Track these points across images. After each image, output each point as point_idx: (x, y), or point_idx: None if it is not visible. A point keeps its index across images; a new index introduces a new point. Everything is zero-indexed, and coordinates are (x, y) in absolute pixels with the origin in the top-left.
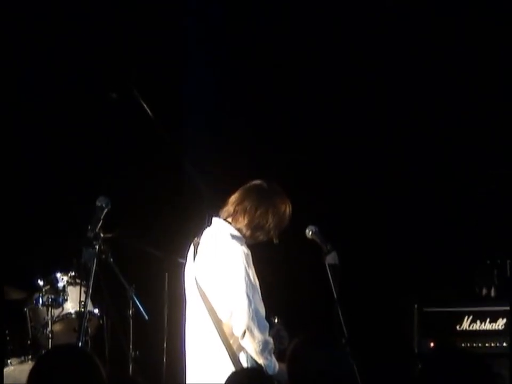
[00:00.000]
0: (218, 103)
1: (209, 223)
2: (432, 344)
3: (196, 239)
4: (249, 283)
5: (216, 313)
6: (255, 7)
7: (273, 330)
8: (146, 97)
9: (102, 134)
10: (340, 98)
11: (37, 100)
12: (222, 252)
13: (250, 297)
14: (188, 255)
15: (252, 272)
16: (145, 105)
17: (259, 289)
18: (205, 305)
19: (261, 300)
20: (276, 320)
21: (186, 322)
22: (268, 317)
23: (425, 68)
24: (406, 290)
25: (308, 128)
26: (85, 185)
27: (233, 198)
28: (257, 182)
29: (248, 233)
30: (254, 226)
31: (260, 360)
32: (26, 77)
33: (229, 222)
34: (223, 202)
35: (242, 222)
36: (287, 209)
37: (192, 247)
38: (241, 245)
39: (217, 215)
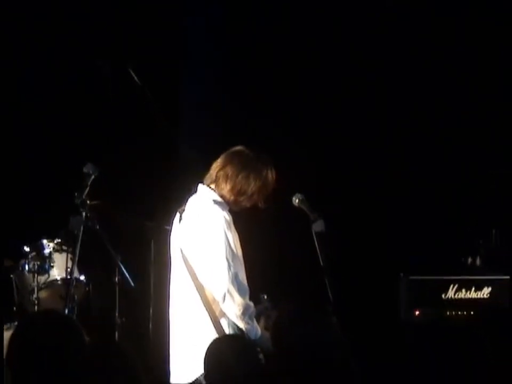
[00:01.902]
0: (215, 84)
1: (195, 190)
2: (417, 313)
3: (182, 206)
4: (229, 248)
5: (198, 279)
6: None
7: (260, 307)
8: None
9: (90, 103)
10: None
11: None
12: (203, 218)
13: (230, 261)
14: (174, 222)
15: (232, 237)
16: (135, 77)
17: (240, 255)
18: (188, 271)
19: (242, 265)
20: (265, 297)
21: (170, 288)
22: (257, 293)
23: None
24: (392, 258)
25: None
26: (72, 152)
27: (215, 164)
28: (239, 147)
29: (231, 198)
30: (237, 192)
31: (241, 325)
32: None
33: (212, 188)
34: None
35: (225, 187)
36: (270, 173)
37: (177, 214)
38: (223, 210)
39: (202, 181)
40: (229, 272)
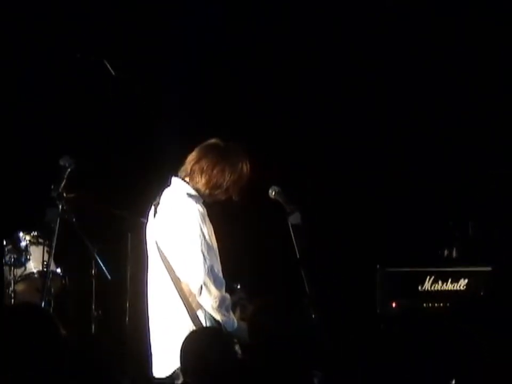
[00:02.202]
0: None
1: (169, 183)
2: (394, 305)
3: (156, 199)
4: (204, 240)
5: (174, 272)
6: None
7: (235, 297)
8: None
9: (68, 94)
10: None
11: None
12: (178, 211)
13: (205, 254)
14: (149, 215)
15: (207, 230)
16: (109, 67)
17: (216, 248)
18: (164, 264)
19: (217, 258)
20: (238, 287)
21: (148, 281)
22: (231, 283)
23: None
24: (369, 250)
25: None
26: (49, 145)
27: (190, 157)
28: (213, 140)
29: (206, 192)
30: (212, 185)
31: (218, 317)
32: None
33: (187, 182)
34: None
35: (200, 181)
36: (244, 166)
37: (152, 207)
38: (197, 203)
39: (177, 174)
40: (204, 265)
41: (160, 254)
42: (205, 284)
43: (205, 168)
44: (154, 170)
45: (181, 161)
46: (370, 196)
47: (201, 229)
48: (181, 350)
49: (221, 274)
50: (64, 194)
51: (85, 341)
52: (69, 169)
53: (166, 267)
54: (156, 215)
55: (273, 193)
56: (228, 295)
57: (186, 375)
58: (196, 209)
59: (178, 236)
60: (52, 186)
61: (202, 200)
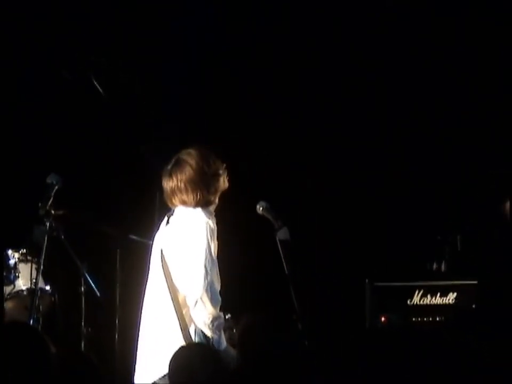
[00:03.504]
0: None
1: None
2: (383, 319)
3: (172, 210)
4: (209, 256)
5: (173, 283)
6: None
7: (225, 326)
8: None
9: (55, 112)
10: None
11: None
12: (188, 222)
13: (208, 270)
14: (161, 223)
15: (213, 247)
16: (97, 85)
17: (217, 266)
18: (164, 273)
19: (218, 276)
20: (228, 316)
21: (146, 289)
22: (220, 310)
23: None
24: (357, 265)
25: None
26: (36, 163)
27: (172, 186)
28: (185, 158)
29: (203, 205)
30: (202, 201)
31: (208, 333)
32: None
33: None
34: None
35: (194, 202)
36: (220, 167)
37: (165, 218)
38: (208, 217)
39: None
40: (205, 280)
41: (162, 262)
42: (201, 298)
43: (192, 190)
44: (144, 188)
45: None
46: (359, 210)
47: (208, 244)
48: (169, 365)
49: (218, 292)
50: (52, 212)
51: (74, 358)
52: (56, 187)
53: (165, 276)
54: (168, 224)
55: (261, 208)
56: (221, 314)
57: None
58: (207, 224)
59: (184, 247)
60: (39, 204)
61: (213, 215)
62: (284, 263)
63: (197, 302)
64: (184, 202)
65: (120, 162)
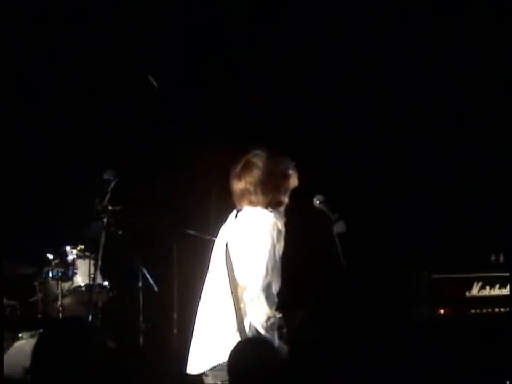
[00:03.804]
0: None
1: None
2: (442, 311)
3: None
4: (272, 257)
5: (234, 275)
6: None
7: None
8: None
9: (110, 108)
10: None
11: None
12: (257, 220)
13: (269, 270)
14: (229, 216)
15: (279, 248)
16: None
17: (279, 267)
18: (227, 265)
19: (279, 277)
20: (279, 315)
21: (206, 280)
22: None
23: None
24: (416, 257)
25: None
26: (93, 159)
27: (241, 188)
28: (253, 160)
29: (273, 206)
30: (272, 201)
31: (261, 331)
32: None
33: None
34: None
35: (264, 203)
36: (289, 170)
37: (234, 211)
38: (278, 219)
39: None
40: (264, 279)
41: (226, 255)
42: (258, 297)
43: (262, 190)
44: (200, 183)
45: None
46: (418, 202)
47: (273, 245)
48: (229, 359)
49: (275, 293)
50: (109, 208)
51: (133, 353)
52: (113, 183)
53: (227, 269)
54: (237, 218)
55: (318, 202)
56: (276, 314)
57: (233, 382)
58: (275, 225)
59: (249, 244)
60: (97, 200)
61: (284, 217)
62: (341, 256)
63: (253, 299)
64: (253, 203)
65: (177, 158)
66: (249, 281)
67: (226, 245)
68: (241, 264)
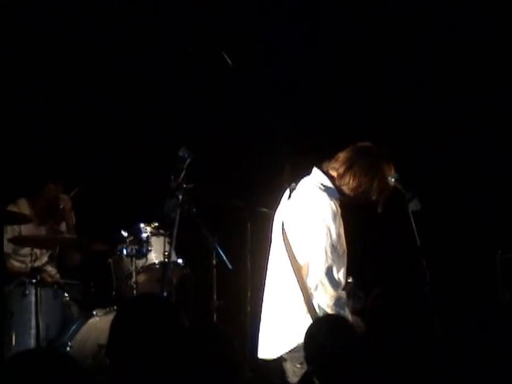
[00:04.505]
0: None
1: (310, 172)
2: None
3: (293, 184)
4: (330, 239)
5: (296, 259)
6: None
7: (348, 288)
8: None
9: (186, 86)
10: None
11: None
12: (310, 203)
13: (328, 253)
14: (282, 198)
15: (335, 229)
16: (227, 58)
17: (344, 247)
18: (287, 249)
19: (343, 258)
20: (350, 280)
21: (268, 262)
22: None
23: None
24: (489, 236)
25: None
26: (167, 136)
27: (342, 158)
28: (367, 144)
29: (351, 194)
30: (361, 191)
31: (331, 312)
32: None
33: (330, 177)
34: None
35: (348, 184)
36: (390, 179)
37: (287, 191)
38: (331, 199)
39: (320, 166)
40: (325, 264)
41: (284, 239)
42: (321, 282)
43: (357, 174)
44: (272, 161)
45: (301, 152)
46: (491, 181)
47: (328, 227)
48: (305, 337)
49: (340, 275)
50: (184, 185)
51: (209, 331)
52: (188, 160)
53: (288, 252)
54: (290, 199)
55: (393, 180)
56: (343, 294)
57: (310, 362)
58: (328, 206)
59: (305, 228)
60: (172, 177)
61: (338, 196)
62: (416, 234)
63: (317, 286)
64: (340, 178)
65: (249, 135)
66: (310, 267)
67: (283, 228)
68: (300, 247)
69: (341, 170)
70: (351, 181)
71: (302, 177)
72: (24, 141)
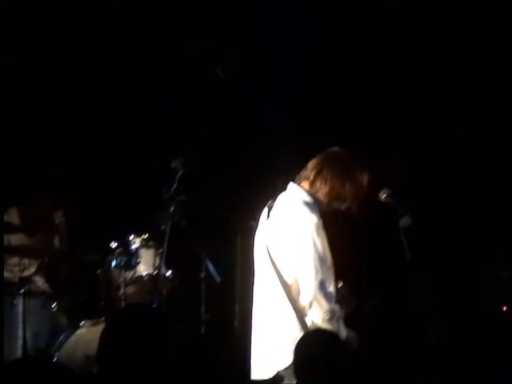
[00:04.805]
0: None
1: (284, 188)
2: (505, 308)
3: (270, 202)
4: (316, 254)
5: (284, 278)
6: None
7: (339, 294)
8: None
9: (186, 86)
10: None
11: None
12: (291, 220)
13: (318, 268)
14: (261, 217)
15: (320, 242)
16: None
17: (329, 258)
18: (274, 268)
19: (330, 270)
20: (340, 285)
21: (255, 283)
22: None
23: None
24: (479, 253)
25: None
26: (160, 148)
27: (311, 165)
28: (337, 149)
29: (325, 201)
30: (333, 196)
31: (326, 326)
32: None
33: (305, 189)
34: (297, 168)
35: (322, 190)
36: (365, 179)
37: (266, 210)
38: (312, 213)
39: (294, 180)
40: (316, 278)
41: (270, 258)
42: (315, 298)
43: (328, 177)
44: (264, 174)
45: (293, 166)
46: (482, 197)
47: (314, 242)
48: (295, 351)
49: (332, 288)
50: (176, 197)
51: (195, 340)
52: (181, 172)
53: (275, 271)
54: (269, 218)
55: (384, 195)
56: (337, 307)
57: (300, 376)
58: (310, 221)
59: (290, 246)
60: (164, 189)
61: (318, 209)
62: (406, 250)
63: (311, 303)
64: (311, 186)
65: (241, 148)
66: (301, 284)
67: (267, 248)
68: (287, 265)
69: (312, 177)
70: (323, 185)
71: (278, 194)
72: (24, 141)
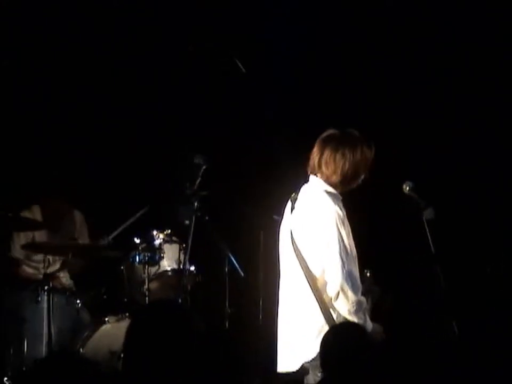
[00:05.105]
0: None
1: (307, 180)
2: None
3: (293, 194)
4: (343, 244)
5: (309, 269)
6: None
7: (365, 285)
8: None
9: (201, 92)
10: None
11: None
12: (316, 211)
13: (344, 259)
14: (285, 210)
15: (345, 232)
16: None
17: (354, 250)
18: (299, 261)
19: (355, 260)
20: (368, 274)
21: (280, 277)
22: (360, 271)
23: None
24: (502, 246)
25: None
26: (184, 143)
27: (313, 153)
28: (329, 131)
29: (337, 182)
30: (339, 174)
31: (354, 320)
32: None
33: (323, 179)
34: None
35: (327, 172)
36: (365, 147)
37: (289, 202)
38: (335, 204)
39: (314, 172)
40: (343, 270)
41: (295, 251)
42: (342, 289)
43: (328, 159)
44: (284, 168)
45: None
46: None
47: (339, 232)
48: (321, 344)
49: (358, 278)
50: (199, 193)
51: (219, 336)
52: (204, 168)
53: (300, 264)
54: (293, 211)
55: (408, 188)
56: (364, 299)
57: (326, 368)
58: (334, 211)
59: (315, 237)
60: (187, 184)
61: (341, 199)
62: (431, 243)
63: (338, 293)
64: (320, 173)
65: (262, 142)
66: (328, 277)
67: (293, 240)
68: (314, 260)
69: (316, 164)
70: (327, 168)
71: (301, 186)
72: (24, 141)
